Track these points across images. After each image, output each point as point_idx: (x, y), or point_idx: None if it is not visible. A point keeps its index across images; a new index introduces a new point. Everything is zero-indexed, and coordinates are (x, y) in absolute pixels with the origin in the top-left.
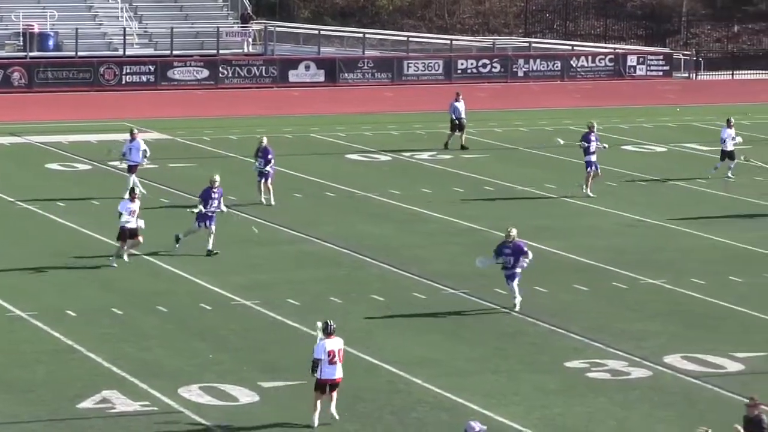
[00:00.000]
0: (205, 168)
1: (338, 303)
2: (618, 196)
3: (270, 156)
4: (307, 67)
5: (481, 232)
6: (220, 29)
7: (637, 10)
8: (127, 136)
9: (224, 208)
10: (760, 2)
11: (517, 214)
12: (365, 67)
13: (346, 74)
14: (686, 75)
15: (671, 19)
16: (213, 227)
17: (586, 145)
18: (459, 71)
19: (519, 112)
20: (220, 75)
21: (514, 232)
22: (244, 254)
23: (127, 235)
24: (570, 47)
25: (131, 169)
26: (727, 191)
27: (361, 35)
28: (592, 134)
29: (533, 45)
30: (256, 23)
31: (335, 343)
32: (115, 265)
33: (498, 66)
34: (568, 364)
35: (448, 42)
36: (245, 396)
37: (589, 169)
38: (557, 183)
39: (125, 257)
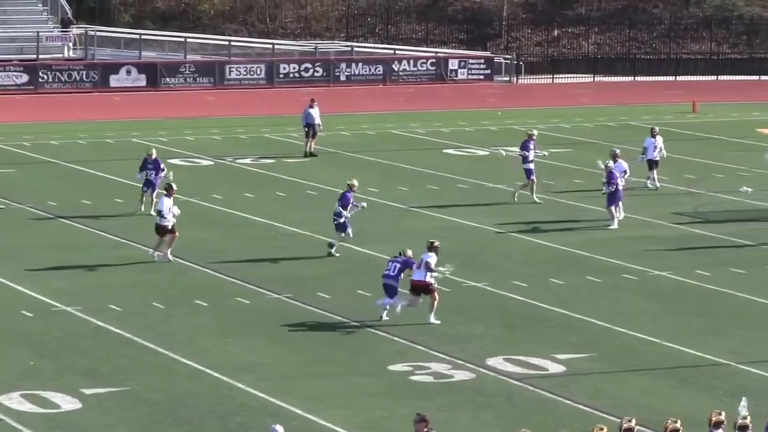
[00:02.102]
0: (26, 173)
1: (161, 308)
2: (439, 198)
3: (162, 166)
4: (129, 72)
5: (304, 237)
6: (40, 34)
7: (458, 14)
8: None
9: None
10: (579, 7)
11: None
12: (187, 72)
13: (167, 79)
14: (507, 79)
15: (492, 23)
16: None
17: (526, 153)
18: (281, 75)
19: (342, 116)
20: (40, 80)
21: (409, 252)
22: (65, 260)
23: None
24: (392, 51)
25: None
26: (547, 194)
27: (182, 39)
28: (531, 142)
29: (355, 49)
30: (76, 28)
31: None
32: None
33: (320, 70)
34: (391, 368)
35: (270, 46)
36: (67, 403)
37: (531, 177)
38: (379, 186)
39: None
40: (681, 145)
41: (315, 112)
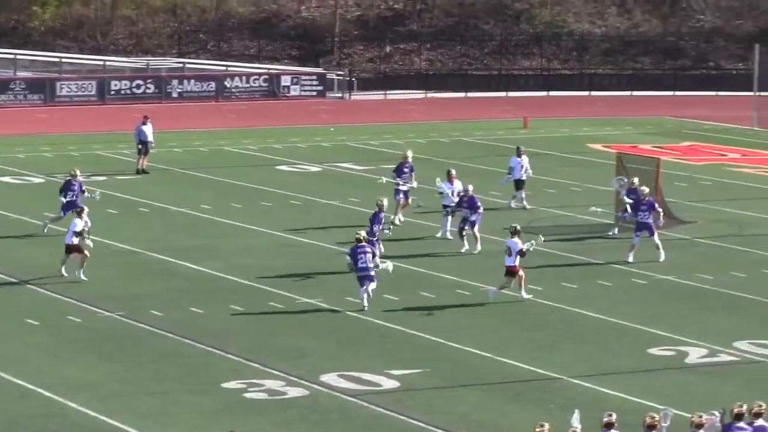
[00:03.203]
0: None
1: None
2: (272, 215)
3: (83, 188)
4: None
5: (136, 254)
6: None
7: (291, 31)
8: None
9: None
10: (411, 23)
11: (171, 234)
12: (17, 89)
13: None
14: (340, 95)
15: (324, 39)
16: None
17: (399, 176)
18: (113, 92)
19: (174, 132)
20: None
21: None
22: None
23: None
24: (224, 68)
25: None
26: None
27: (12, 56)
28: (406, 165)
29: (187, 66)
30: None
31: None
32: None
33: (152, 87)
34: (225, 385)
35: (102, 63)
36: None
37: (398, 197)
38: (212, 203)
39: None
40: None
41: (148, 129)
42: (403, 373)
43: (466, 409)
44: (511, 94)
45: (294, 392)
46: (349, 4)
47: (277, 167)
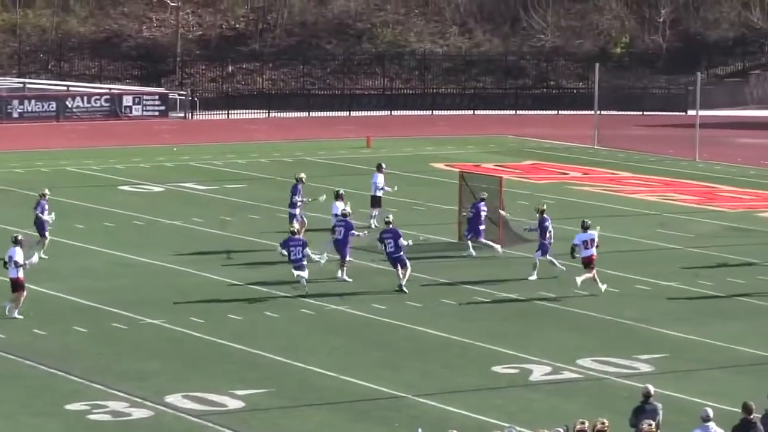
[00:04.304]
0: None
1: None
2: (115, 236)
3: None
4: None
5: None
6: None
7: (132, 51)
8: None
9: None
10: (253, 43)
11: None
12: None
13: None
14: (182, 115)
15: (166, 59)
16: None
17: (296, 199)
18: None
19: (15, 153)
20: None
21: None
22: None
23: None
24: (65, 88)
25: None
26: (223, 230)
27: None
28: (299, 186)
29: (28, 86)
30: None
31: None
32: None
33: None
34: (68, 407)
35: None
36: None
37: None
38: (54, 224)
39: None
40: (356, 180)
41: None
42: (247, 392)
43: (311, 428)
44: (354, 113)
45: (138, 413)
46: (191, 24)
47: (120, 187)
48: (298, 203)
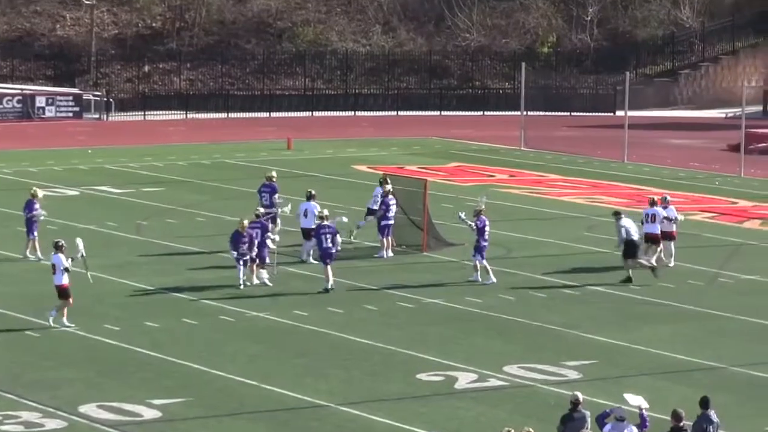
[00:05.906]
0: None
1: None
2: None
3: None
4: None
5: None
6: None
7: (45, 50)
8: None
9: None
10: (170, 42)
11: None
12: None
13: None
14: (97, 116)
15: (80, 58)
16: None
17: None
18: None
19: None
20: None
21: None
22: None
23: None
24: None
25: None
26: (139, 234)
27: None
28: (276, 184)
29: None
30: None
31: None
32: None
33: None
34: None
35: None
36: None
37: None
38: None
39: None
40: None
41: None
42: (164, 402)
43: None
44: (275, 114)
45: (52, 424)
46: (106, 23)
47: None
48: (277, 201)
